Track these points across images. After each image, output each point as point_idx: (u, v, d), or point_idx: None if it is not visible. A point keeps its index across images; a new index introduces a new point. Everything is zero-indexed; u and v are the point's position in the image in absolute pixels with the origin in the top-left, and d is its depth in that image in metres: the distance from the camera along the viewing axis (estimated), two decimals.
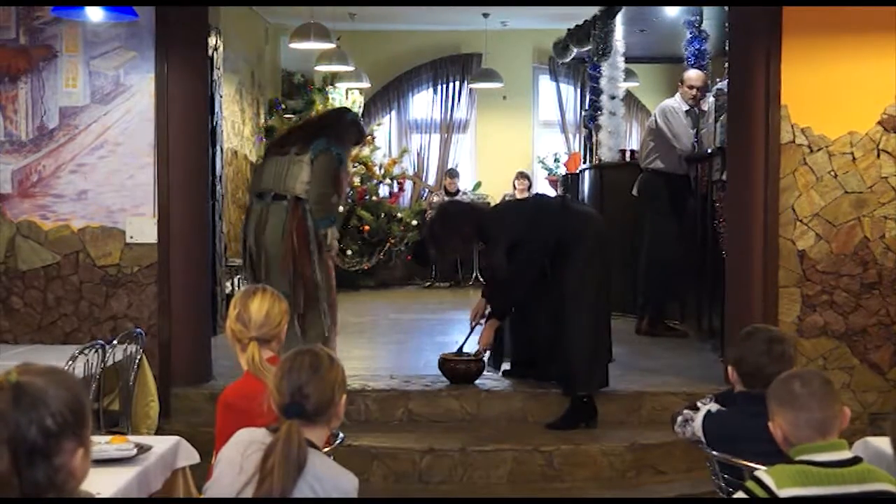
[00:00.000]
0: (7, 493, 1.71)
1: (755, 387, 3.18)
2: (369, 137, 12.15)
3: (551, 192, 12.04)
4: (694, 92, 8.04)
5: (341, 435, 3.51)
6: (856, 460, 2.63)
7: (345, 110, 6.53)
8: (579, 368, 5.77)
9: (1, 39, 6.02)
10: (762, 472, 2.63)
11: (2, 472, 1.70)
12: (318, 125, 6.26)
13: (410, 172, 13.12)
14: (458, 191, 12.64)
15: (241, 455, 2.61)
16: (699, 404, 3.46)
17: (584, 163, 10.79)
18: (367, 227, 11.56)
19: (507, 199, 11.99)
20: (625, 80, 10.28)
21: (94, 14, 5.31)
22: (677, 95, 8.15)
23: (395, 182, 12.49)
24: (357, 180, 11.70)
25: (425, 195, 13.14)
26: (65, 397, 1.78)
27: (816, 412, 2.63)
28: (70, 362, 4.44)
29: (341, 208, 6.24)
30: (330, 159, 5.87)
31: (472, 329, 6.31)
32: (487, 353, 6.20)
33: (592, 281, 5.80)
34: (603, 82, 10.03)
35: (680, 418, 3.47)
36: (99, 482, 2.81)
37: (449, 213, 6.14)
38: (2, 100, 6.05)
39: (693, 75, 8.21)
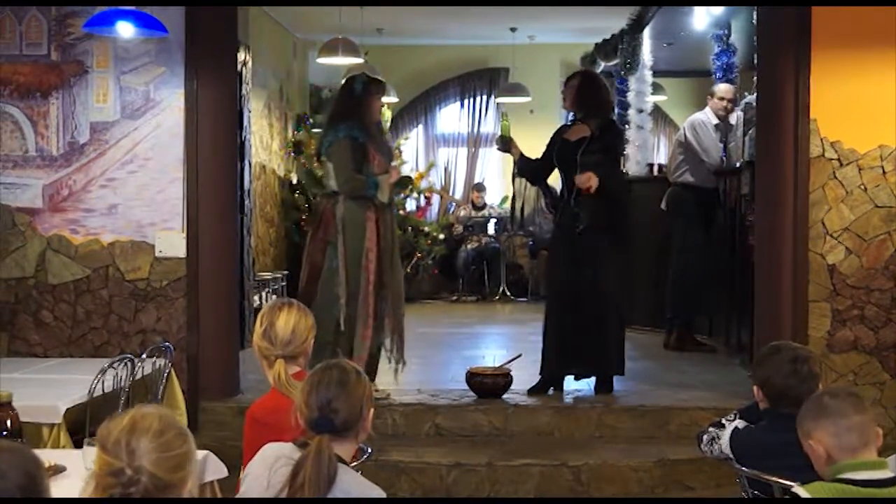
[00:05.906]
0: None
1: (782, 406, 3.15)
2: (396, 150, 12.17)
3: None
4: (724, 103, 8.03)
5: (368, 449, 3.50)
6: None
7: (346, 83, 6.16)
8: (615, 355, 6.27)
9: (33, 55, 6.10)
10: (799, 488, 2.60)
11: None
12: (327, 118, 6.37)
13: (437, 186, 13.11)
14: (485, 204, 12.64)
15: (268, 469, 2.62)
16: (724, 422, 3.44)
17: None
18: None
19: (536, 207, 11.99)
20: (652, 94, 10.25)
21: (125, 30, 5.36)
22: (707, 109, 8.12)
23: (422, 196, 12.49)
24: None
25: (452, 209, 13.14)
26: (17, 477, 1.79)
27: (853, 415, 2.63)
28: (99, 376, 4.47)
29: (396, 176, 6.13)
30: (337, 147, 5.89)
31: (517, 357, 6.42)
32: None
33: (617, 274, 6.30)
34: (630, 96, 10.01)
35: (706, 437, 3.44)
36: None
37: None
38: (33, 115, 6.12)
39: (724, 87, 8.22)
